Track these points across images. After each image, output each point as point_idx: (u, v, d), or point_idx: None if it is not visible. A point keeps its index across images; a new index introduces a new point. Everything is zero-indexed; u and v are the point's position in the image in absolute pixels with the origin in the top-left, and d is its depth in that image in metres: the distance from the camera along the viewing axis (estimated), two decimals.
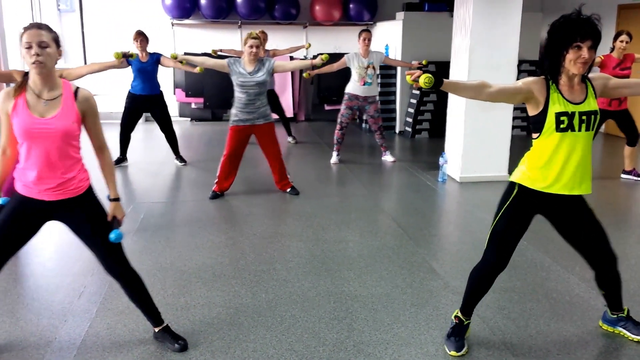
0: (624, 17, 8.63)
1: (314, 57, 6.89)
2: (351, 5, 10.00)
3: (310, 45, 8.43)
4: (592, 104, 2.47)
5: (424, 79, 2.39)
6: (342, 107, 6.89)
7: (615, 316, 2.92)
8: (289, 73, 10.01)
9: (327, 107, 10.35)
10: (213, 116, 10.34)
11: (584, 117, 2.44)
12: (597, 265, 2.75)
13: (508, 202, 2.61)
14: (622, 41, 5.77)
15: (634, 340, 2.84)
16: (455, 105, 6.14)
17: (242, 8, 9.69)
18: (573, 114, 2.42)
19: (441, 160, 6.12)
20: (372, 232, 4.50)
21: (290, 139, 8.38)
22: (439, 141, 7.69)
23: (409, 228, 4.59)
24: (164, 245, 4.17)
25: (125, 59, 6.02)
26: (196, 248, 4.12)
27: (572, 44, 2.36)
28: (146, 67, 6.32)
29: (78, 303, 3.24)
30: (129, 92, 6.49)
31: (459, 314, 2.82)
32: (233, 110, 5.28)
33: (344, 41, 10.30)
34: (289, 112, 10.00)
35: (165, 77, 9.83)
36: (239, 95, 5.18)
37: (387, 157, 7.14)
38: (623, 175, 6.23)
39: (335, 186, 6.10)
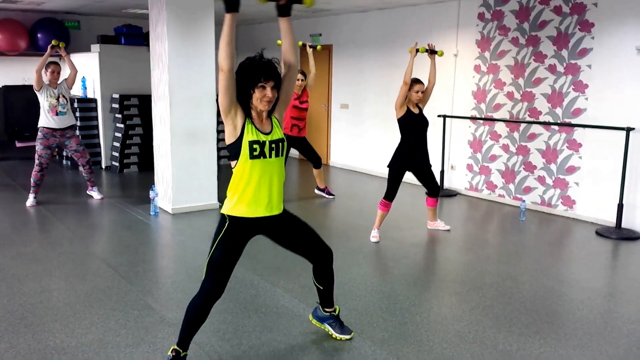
0: (306, 57, 9.86)
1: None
2: (39, 35, 9.22)
3: None
4: (278, 133, 2.77)
5: None
6: (39, 146, 6.27)
7: (328, 313, 3.25)
8: None
9: (18, 144, 9.28)
10: None
11: (273, 145, 2.72)
12: (316, 259, 3.05)
13: (221, 233, 2.73)
14: (298, 79, 6.58)
15: (337, 338, 3.23)
16: (161, 138, 6.17)
17: None
18: (264, 142, 2.68)
19: (152, 194, 6.05)
20: (79, 276, 4.18)
21: None
22: (149, 174, 7.60)
23: (121, 267, 4.41)
24: None
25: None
26: None
27: (257, 84, 2.62)
28: None
29: None
30: None
31: (176, 348, 2.81)
32: None
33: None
34: None
35: None
36: None
37: (94, 194, 6.75)
38: (317, 191, 7.08)
39: (33, 232, 5.48)
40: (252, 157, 2.65)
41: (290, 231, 2.95)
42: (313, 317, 3.33)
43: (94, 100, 8.78)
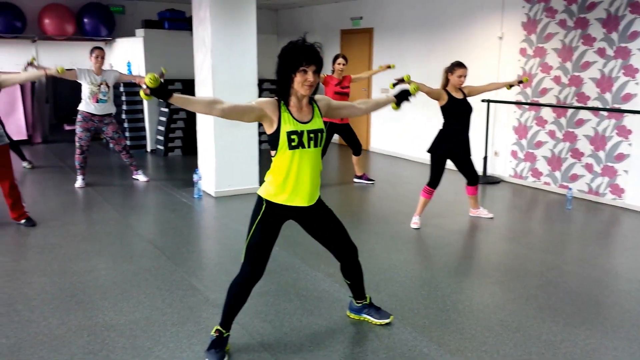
0: (346, 40, 9.83)
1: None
2: (86, 20, 9.43)
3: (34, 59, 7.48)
4: (318, 123, 2.75)
5: (149, 77, 2.38)
6: (78, 129, 6.47)
7: (360, 304, 3.28)
8: (18, 91, 8.98)
9: (67, 127, 9.59)
10: None
11: (312, 135, 2.70)
12: (342, 257, 3.08)
13: (259, 216, 2.77)
14: (339, 64, 6.57)
15: (377, 323, 3.24)
16: (204, 122, 6.26)
17: None
18: (302, 132, 2.67)
19: (195, 177, 6.16)
20: (126, 256, 4.31)
21: (25, 164, 7.54)
22: (192, 158, 7.74)
23: (166, 248, 4.53)
24: None
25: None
26: None
27: (298, 68, 2.60)
28: None
29: None
30: None
31: (219, 328, 2.87)
32: None
33: (80, 57, 9.63)
34: (21, 134, 9.02)
35: None
36: None
37: (140, 177, 6.92)
38: (355, 180, 7.09)
39: (82, 212, 5.67)
40: (290, 147, 2.65)
41: (322, 223, 2.95)
42: (350, 312, 3.35)
43: (139, 85, 8.96)
